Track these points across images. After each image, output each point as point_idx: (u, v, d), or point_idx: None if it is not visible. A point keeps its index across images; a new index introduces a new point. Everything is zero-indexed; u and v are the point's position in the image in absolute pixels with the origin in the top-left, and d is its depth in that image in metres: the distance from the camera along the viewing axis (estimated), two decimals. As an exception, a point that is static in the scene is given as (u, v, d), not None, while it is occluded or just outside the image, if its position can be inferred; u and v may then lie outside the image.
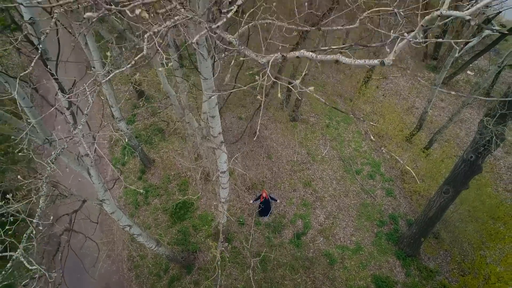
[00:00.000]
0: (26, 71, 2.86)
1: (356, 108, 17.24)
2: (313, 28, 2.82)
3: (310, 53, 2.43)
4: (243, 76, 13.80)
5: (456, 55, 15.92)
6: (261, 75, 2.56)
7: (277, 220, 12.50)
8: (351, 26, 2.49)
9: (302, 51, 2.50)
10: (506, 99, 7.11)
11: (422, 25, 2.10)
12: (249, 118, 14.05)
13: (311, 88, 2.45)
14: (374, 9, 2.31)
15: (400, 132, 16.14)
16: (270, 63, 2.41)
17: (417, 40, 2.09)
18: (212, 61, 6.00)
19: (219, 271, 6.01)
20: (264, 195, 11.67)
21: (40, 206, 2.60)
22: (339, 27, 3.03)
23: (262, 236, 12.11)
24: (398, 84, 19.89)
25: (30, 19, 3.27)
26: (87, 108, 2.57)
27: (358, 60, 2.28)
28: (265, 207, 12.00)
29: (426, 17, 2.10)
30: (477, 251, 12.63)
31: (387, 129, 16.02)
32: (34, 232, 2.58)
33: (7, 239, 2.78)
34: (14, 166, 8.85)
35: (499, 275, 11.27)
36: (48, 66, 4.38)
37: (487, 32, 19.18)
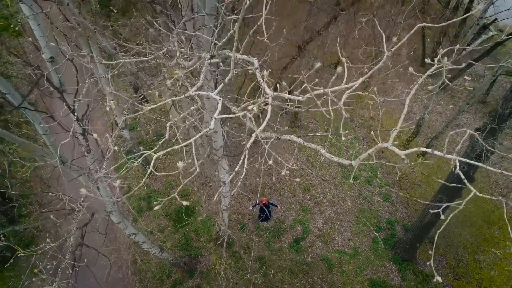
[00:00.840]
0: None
1: (354, 114, 17.56)
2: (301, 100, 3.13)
3: (299, 139, 2.90)
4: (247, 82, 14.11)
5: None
6: (259, 155, 2.88)
7: (276, 225, 12.83)
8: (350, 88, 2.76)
9: (293, 135, 2.84)
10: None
11: (376, 148, 2.46)
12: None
13: (297, 179, 2.83)
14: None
15: (397, 138, 16.45)
16: (268, 144, 2.74)
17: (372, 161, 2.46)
18: (215, 83, 6.34)
19: (223, 286, 6.30)
20: (264, 201, 12.00)
21: (70, 246, 2.90)
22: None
23: (262, 241, 12.44)
24: (396, 89, 20.19)
25: (50, 58, 3.58)
26: (108, 153, 2.89)
27: (334, 157, 2.77)
28: (265, 213, 12.32)
29: (378, 146, 2.47)
30: (471, 255, 12.95)
31: (385, 135, 16.33)
32: (71, 272, 2.89)
33: (50, 278, 3.09)
34: (29, 183, 9.23)
35: (492, 280, 11.61)
36: (57, 90, 4.72)
37: (483, 37, 19.48)
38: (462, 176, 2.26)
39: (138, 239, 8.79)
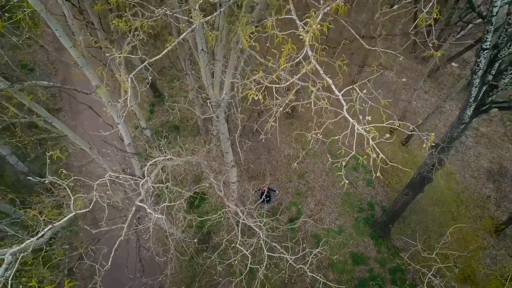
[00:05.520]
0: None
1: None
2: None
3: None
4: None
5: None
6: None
7: (275, 207, 15.27)
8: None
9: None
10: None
11: None
12: (252, 119, 16.37)
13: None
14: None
15: (384, 127, 18.43)
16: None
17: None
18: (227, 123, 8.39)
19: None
20: (264, 188, 14.33)
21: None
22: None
23: (262, 220, 14.94)
24: (387, 76, 21.84)
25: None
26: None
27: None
28: (266, 197, 14.72)
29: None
30: (438, 231, 15.46)
31: (372, 123, 18.31)
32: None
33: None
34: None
35: (448, 253, 14.15)
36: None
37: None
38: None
39: (166, 227, 11.23)
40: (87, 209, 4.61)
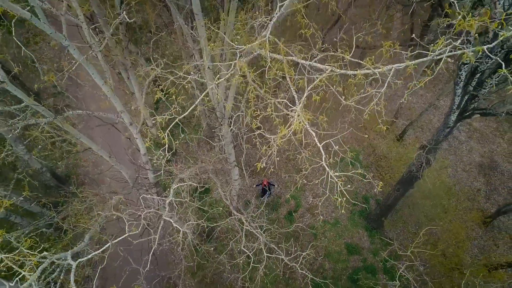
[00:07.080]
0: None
1: (344, 99, 20.05)
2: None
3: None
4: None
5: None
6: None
7: (275, 200, 16.11)
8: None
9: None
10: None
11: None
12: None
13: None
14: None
15: (381, 121, 19.14)
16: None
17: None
18: (230, 132, 9.13)
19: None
20: (264, 183, 15.13)
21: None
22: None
23: (263, 213, 15.79)
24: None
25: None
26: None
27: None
28: (266, 191, 15.54)
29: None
30: (429, 223, 16.32)
31: (369, 119, 19.04)
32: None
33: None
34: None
35: (437, 243, 15.05)
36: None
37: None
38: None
39: (177, 225, 12.09)
40: (137, 231, 5.39)
